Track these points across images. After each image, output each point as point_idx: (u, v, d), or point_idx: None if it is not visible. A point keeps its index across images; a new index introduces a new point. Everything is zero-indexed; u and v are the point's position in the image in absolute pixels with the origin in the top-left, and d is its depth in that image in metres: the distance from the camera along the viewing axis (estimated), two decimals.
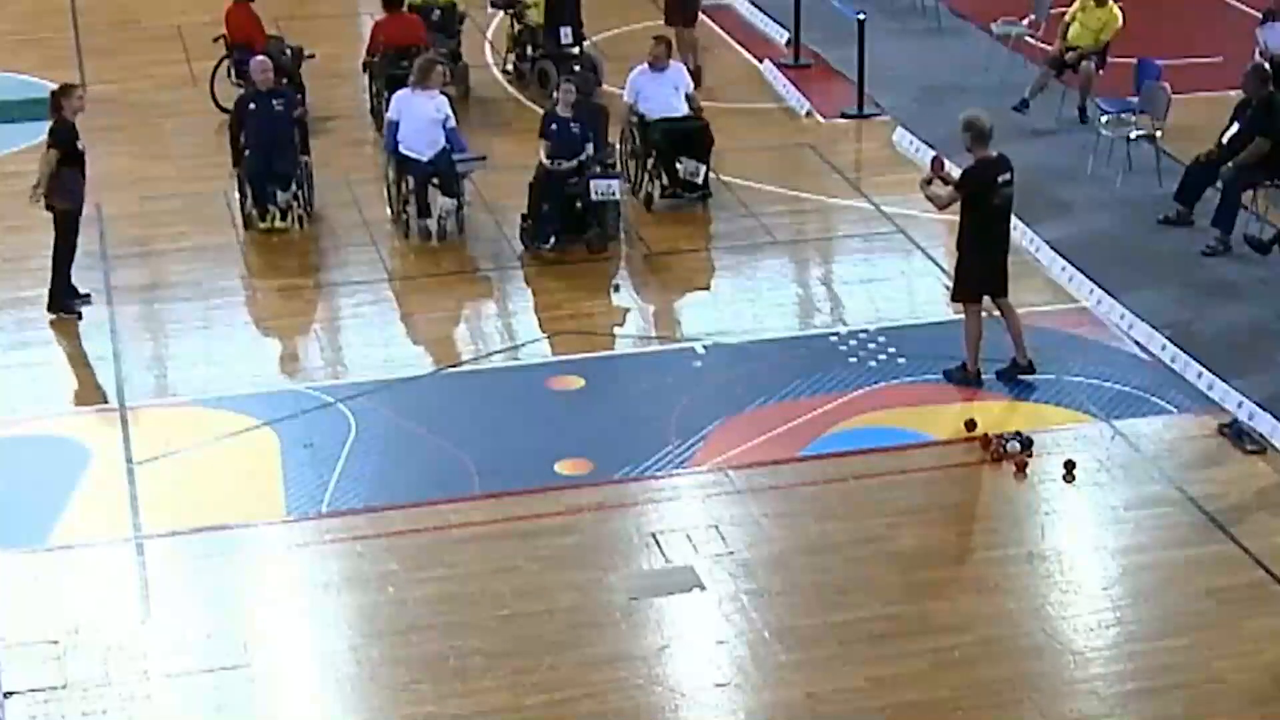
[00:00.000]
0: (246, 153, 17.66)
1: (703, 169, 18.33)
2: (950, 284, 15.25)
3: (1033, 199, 17.39)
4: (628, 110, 18.72)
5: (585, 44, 21.49)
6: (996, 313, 14.99)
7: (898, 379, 15.03)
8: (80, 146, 15.91)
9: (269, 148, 17.55)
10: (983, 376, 14.85)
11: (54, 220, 15.97)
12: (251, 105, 17.79)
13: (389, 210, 18.19)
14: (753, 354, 15.49)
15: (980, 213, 14.56)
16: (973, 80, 21.42)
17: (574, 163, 17.32)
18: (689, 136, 18.39)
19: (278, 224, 17.47)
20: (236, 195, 17.85)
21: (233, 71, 20.68)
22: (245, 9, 20.83)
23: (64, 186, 15.82)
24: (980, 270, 14.72)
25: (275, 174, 17.49)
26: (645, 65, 18.74)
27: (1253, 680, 11.32)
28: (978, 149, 14.59)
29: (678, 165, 18.26)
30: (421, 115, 17.65)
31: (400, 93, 17.92)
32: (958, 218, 14.86)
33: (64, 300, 16.04)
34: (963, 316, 14.92)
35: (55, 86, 16.28)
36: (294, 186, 17.56)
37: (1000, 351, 14.95)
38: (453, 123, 17.84)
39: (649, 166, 18.38)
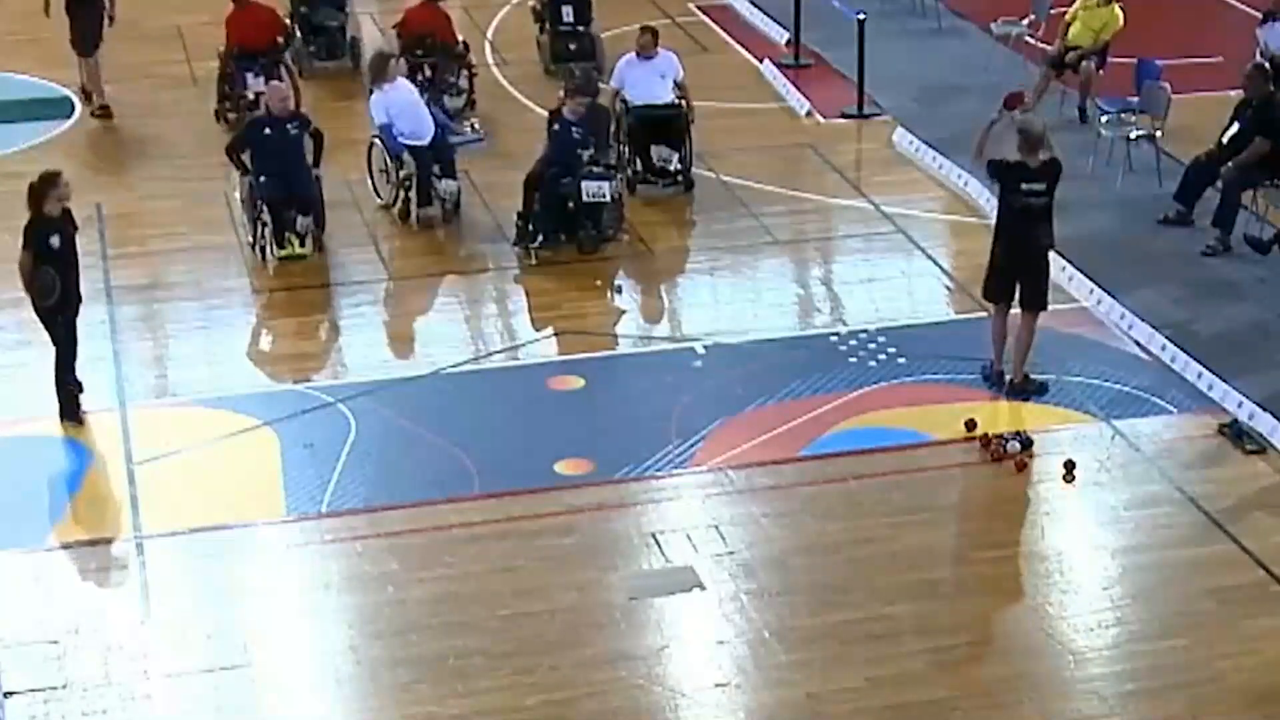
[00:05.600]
0: (261, 179, 17.06)
1: (675, 156, 18.44)
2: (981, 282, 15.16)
3: None
4: (612, 96, 18.87)
5: (592, 25, 21.68)
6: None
7: (898, 379, 15.02)
8: (54, 243, 14.03)
9: (287, 175, 17.06)
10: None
11: (41, 321, 14.45)
12: (266, 131, 17.25)
13: (378, 199, 18.23)
14: (753, 354, 15.48)
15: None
16: (973, 80, 21.41)
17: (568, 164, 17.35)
18: (663, 124, 18.58)
19: (297, 250, 16.95)
20: (246, 223, 17.39)
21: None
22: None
23: (42, 284, 14.15)
24: None
25: (295, 199, 17.01)
26: (633, 54, 18.93)
27: (1253, 680, 11.31)
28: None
29: (651, 151, 18.41)
30: (405, 102, 17.85)
31: (374, 97, 17.97)
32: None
33: (68, 405, 14.48)
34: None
35: (34, 179, 14.30)
36: (313, 212, 17.11)
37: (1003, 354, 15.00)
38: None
39: (626, 153, 18.58)
